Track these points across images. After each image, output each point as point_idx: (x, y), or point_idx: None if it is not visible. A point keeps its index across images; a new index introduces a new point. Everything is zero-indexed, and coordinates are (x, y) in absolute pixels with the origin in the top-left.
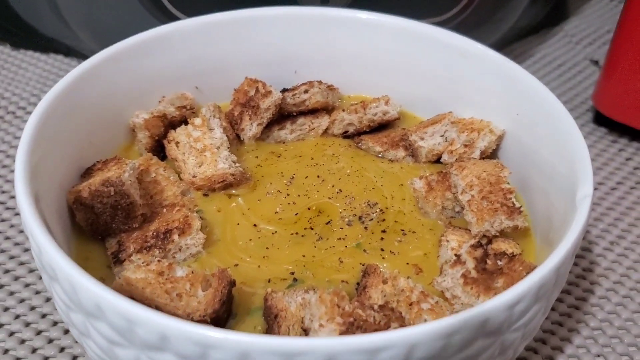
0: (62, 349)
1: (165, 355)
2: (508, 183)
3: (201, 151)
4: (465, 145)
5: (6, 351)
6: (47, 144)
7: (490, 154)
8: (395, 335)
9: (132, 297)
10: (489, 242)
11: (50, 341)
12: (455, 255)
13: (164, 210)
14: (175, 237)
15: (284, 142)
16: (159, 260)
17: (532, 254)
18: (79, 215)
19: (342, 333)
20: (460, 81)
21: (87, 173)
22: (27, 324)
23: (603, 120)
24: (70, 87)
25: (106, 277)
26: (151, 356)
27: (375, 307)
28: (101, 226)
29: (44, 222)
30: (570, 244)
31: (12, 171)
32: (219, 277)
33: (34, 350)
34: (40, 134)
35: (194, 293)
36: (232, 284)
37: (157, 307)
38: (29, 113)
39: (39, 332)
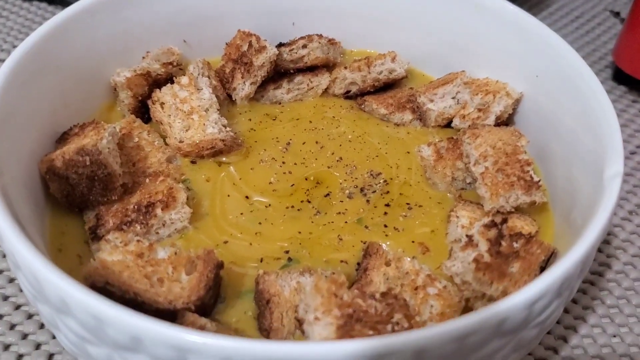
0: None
1: (139, 357)
2: (526, 153)
3: (188, 114)
4: (479, 110)
5: None
6: (14, 104)
7: (507, 120)
8: (400, 340)
9: (108, 282)
10: (504, 221)
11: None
12: (467, 235)
13: (147, 180)
14: (159, 211)
15: (279, 103)
16: (138, 241)
17: (550, 232)
18: (53, 186)
19: (339, 327)
20: (474, 37)
21: (62, 139)
22: None
23: (623, 78)
24: (42, 41)
25: (83, 255)
26: (125, 356)
27: (377, 295)
28: (77, 198)
29: (6, 201)
30: (597, 231)
31: None
32: (204, 260)
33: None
34: (6, 93)
35: (177, 277)
36: (220, 266)
37: (136, 294)
38: None
39: None
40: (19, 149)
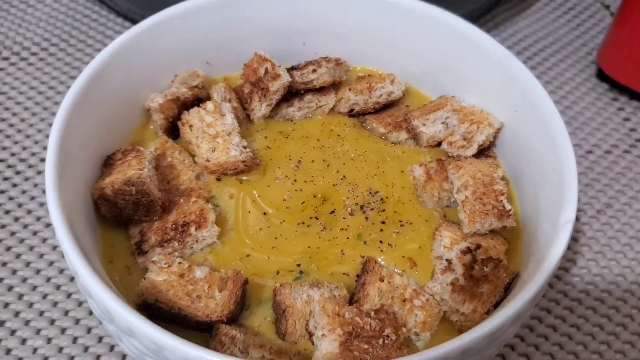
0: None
1: None
2: (500, 183)
3: (214, 137)
4: (464, 139)
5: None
6: (72, 139)
7: (489, 144)
8: None
9: (158, 299)
10: (478, 247)
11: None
12: (447, 260)
13: (181, 200)
14: (192, 230)
15: (291, 120)
16: (179, 263)
17: (520, 247)
18: (103, 208)
19: (341, 343)
20: (464, 65)
21: (107, 163)
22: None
23: (605, 77)
24: (91, 79)
25: (131, 266)
26: None
27: (372, 313)
28: (124, 217)
29: (76, 239)
30: (546, 274)
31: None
32: (233, 280)
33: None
34: (66, 133)
35: (212, 294)
36: (245, 282)
37: (180, 309)
38: (41, 59)
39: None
40: (77, 174)
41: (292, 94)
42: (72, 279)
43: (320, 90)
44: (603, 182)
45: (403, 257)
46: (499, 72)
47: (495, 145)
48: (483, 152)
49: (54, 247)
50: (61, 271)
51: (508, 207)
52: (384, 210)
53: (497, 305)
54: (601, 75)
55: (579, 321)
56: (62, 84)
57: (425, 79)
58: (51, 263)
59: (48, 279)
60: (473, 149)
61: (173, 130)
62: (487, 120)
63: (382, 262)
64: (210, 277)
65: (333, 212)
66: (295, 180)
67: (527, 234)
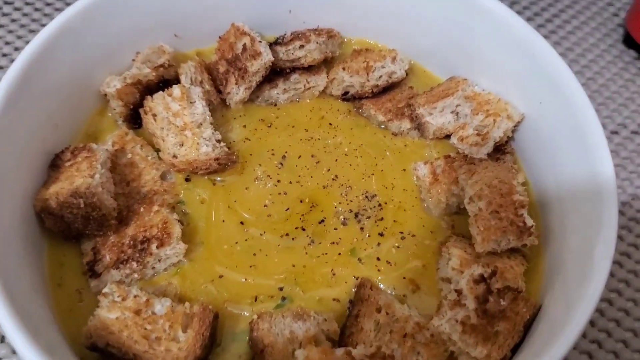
0: None
1: None
2: (521, 193)
3: (181, 129)
4: (478, 134)
5: None
6: (5, 143)
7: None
8: None
9: (108, 343)
10: (493, 273)
11: None
12: (456, 291)
13: (142, 208)
14: (154, 247)
15: (275, 105)
16: (135, 297)
17: (540, 268)
18: (48, 222)
19: None
20: (480, 43)
21: (54, 164)
22: None
23: (633, 43)
24: (29, 65)
25: (83, 289)
26: None
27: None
28: (73, 232)
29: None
30: (578, 327)
31: None
32: (200, 317)
33: None
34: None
35: (174, 336)
36: (215, 317)
37: (135, 355)
38: None
39: None
40: (12, 182)
41: (275, 73)
42: None
43: (309, 69)
44: (629, 169)
45: (404, 278)
46: (521, 53)
47: (513, 138)
48: (499, 148)
49: None
50: None
51: (530, 222)
52: (382, 219)
53: (516, 348)
54: (629, 42)
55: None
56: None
57: (432, 56)
58: None
59: None
60: (488, 147)
61: (136, 118)
62: (506, 112)
63: (380, 284)
64: (172, 314)
65: (322, 221)
66: (278, 181)
67: (551, 251)
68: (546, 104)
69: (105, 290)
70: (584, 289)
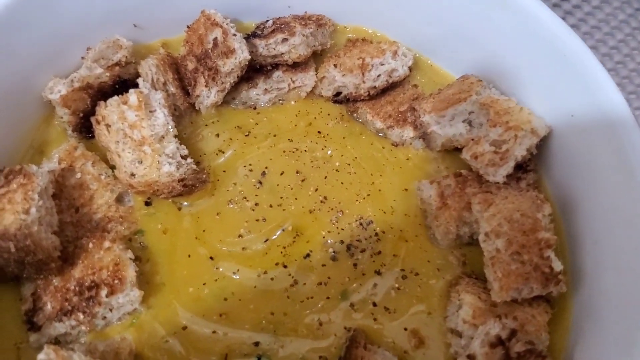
0: None
1: None
2: (547, 228)
3: (139, 144)
4: (496, 151)
5: None
6: None
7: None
8: None
9: None
10: (513, 333)
11: None
12: (468, 357)
13: (90, 244)
14: (103, 295)
15: (254, 108)
16: None
17: (567, 316)
18: None
19: None
20: (498, 38)
21: None
22: None
23: None
24: None
25: (21, 344)
26: None
27: None
28: (8, 275)
29: None
30: None
31: None
32: None
33: None
34: None
35: None
36: None
37: None
38: None
39: None
40: None
41: (255, 70)
42: None
43: (295, 65)
44: None
45: (405, 329)
46: (549, 53)
47: (535, 154)
48: (520, 165)
49: None
50: None
51: (558, 267)
52: (379, 252)
53: None
54: None
55: None
56: None
57: (441, 49)
58: None
59: None
60: (507, 168)
61: (88, 127)
62: (530, 125)
63: (376, 338)
64: None
65: (308, 255)
66: (256, 205)
67: (581, 296)
68: (579, 117)
69: (40, 357)
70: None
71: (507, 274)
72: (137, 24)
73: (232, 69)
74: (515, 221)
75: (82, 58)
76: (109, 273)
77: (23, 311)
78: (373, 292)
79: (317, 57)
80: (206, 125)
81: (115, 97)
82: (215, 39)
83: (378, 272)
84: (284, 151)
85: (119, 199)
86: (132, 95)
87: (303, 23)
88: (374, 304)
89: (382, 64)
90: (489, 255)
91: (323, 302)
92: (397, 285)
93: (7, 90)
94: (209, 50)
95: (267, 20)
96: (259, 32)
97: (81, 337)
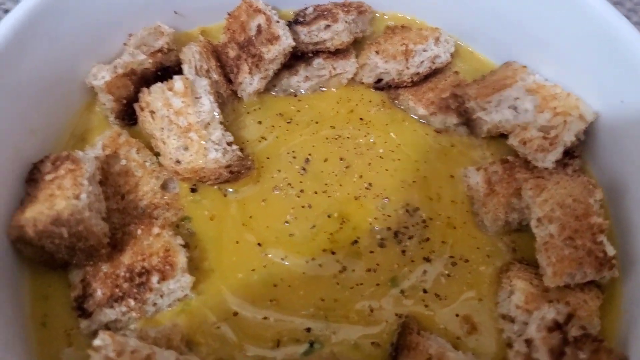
0: None
1: None
2: (599, 213)
3: (185, 130)
4: (545, 137)
5: None
6: None
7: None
8: None
9: None
10: (569, 317)
11: None
12: (526, 341)
13: (139, 230)
14: (154, 281)
15: (295, 95)
16: (133, 353)
17: (617, 300)
18: (26, 251)
19: None
20: (541, 23)
21: (32, 178)
22: None
23: None
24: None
25: (72, 331)
26: None
27: None
28: (57, 262)
29: None
30: None
31: None
32: None
33: None
34: None
35: None
36: None
37: None
38: None
39: None
40: None
41: (295, 57)
42: None
43: (335, 52)
44: None
45: (457, 315)
46: (597, 37)
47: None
48: (567, 151)
49: None
50: None
51: (611, 251)
52: (427, 239)
53: None
54: None
55: None
56: None
57: (481, 36)
58: None
59: None
60: (557, 154)
61: (130, 114)
62: (578, 110)
63: (428, 325)
64: None
65: (356, 241)
66: (301, 191)
67: (630, 283)
68: (630, 104)
69: (96, 342)
70: None
71: (560, 259)
72: (178, 11)
73: (276, 55)
74: (567, 206)
75: (124, 45)
76: (159, 259)
77: (72, 298)
78: (423, 279)
79: (356, 45)
80: (248, 113)
81: (160, 84)
82: (258, 26)
83: (427, 259)
84: (327, 138)
85: (164, 186)
86: (178, 82)
87: (345, 10)
88: (425, 291)
89: (424, 50)
90: (541, 241)
91: (373, 288)
92: (446, 272)
93: (48, 79)
94: (252, 37)
95: (307, 7)
96: (301, 19)
97: (131, 323)
